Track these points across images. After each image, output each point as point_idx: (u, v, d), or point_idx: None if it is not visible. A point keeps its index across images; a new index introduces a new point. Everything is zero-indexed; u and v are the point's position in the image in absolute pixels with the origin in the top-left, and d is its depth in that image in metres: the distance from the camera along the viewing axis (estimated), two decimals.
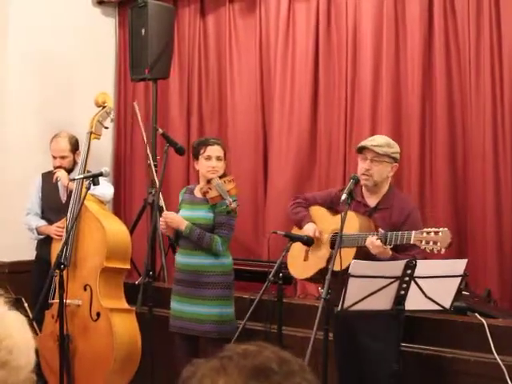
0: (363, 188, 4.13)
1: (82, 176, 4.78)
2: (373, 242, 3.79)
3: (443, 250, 3.57)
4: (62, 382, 4.43)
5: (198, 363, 1.19)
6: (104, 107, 5.27)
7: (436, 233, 3.58)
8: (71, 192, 5.02)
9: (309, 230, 4.23)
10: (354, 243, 3.91)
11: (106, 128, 5.32)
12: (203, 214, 4.50)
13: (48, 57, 6.16)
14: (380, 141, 4.09)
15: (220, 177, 4.49)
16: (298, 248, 4.32)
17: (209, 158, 4.49)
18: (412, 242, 3.66)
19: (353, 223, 3.92)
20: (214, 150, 4.52)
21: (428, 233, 3.60)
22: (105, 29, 6.76)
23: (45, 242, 5.24)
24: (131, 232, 5.45)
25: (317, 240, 4.21)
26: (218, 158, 4.50)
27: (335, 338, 4.18)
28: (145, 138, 4.84)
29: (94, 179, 4.45)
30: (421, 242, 3.61)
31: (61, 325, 4.40)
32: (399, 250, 3.88)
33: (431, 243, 3.57)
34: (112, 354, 4.66)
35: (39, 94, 6.10)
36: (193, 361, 1.21)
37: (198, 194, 4.59)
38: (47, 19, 6.14)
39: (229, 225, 4.48)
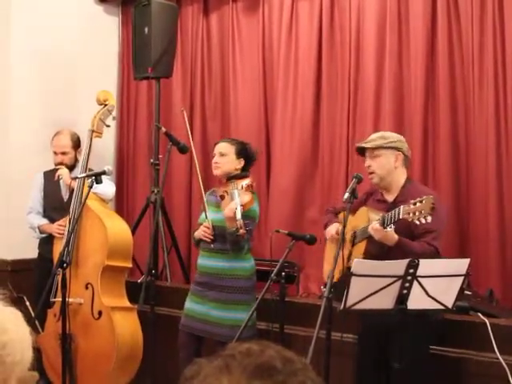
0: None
1: (84, 174, 4.77)
2: (372, 226, 3.81)
3: (429, 218, 3.54)
4: (65, 380, 4.43)
5: (200, 362, 1.19)
6: (106, 105, 5.27)
7: (420, 201, 3.57)
8: (73, 190, 5.02)
9: (330, 230, 4.27)
10: (364, 234, 3.95)
11: (108, 126, 5.32)
12: (221, 217, 4.37)
13: (51, 56, 6.16)
14: (373, 136, 4.15)
15: (238, 177, 4.42)
16: (330, 253, 4.32)
17: (213, 156, 4.51)
18: (401, 216, 3.64)
19: (364, 217, 3.96)
20: (218, 148, 4.51)
21: (414, 204, 3.59)
22: (108, 27, 6.76)
23: (47, 241, 5.25)
24: (133, 230, 5.45)
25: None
26: (221, 154, 4.46)
27: (360, 338, 4.19)
28: (193, 150, 4.74)
29: (97, 178, 4.44)
30: (409, 214, 3.60)
31: (63, 323, 4.40)
32: (416, 238, 3.89)
33: (417, 213, 3.57)
34: (114, 353, 4.66)
35: (42, 92, 6.10)
36: (195, 360, 1.21)
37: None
38: (50, 18, 6.14)
39: (250, 230, 4.31)
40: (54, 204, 5.37)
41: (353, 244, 4.08)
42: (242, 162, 4.49)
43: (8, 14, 5.96)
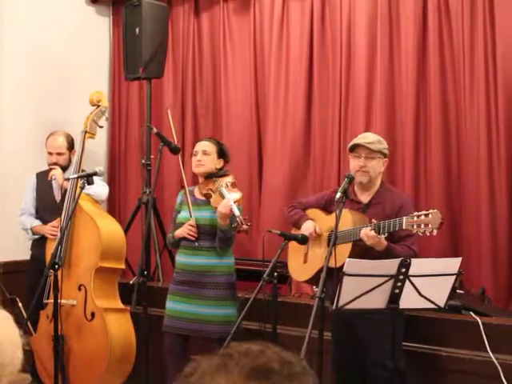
0: (355, 186, 4.17)
1: (76, 175, 4.77)
2: (367, 232, 3.81)
3: (435, 232, 3.57)
4: (57, 382, 4.41)
5: (199, 360, 1.19)
6: (99, 106, 5.26)
7: (426, 215, 3.59)
8: (66, 191, 5.02)
9: (308, 227, 4.25)
10: (350, 238, 3.94)
11: (101, 127, 5.31)
12: (209, 215, 4.44)
13: (42, 56, 6.15)
14: (372, 138, 4.16)
15: (219, 176, 4.48)
16: (297, 251, 4.33)
17: (195, 153, 4.51)
18: (404, 227, 3.67)
19: (346, 219, 3.94)
20: (201, 145, 4.53)
21: (418, 216, 3.61)
22: (99, 28, 6.75)
23: (39, 242, 5.24)
24: (125, 231, 5.44)
25: (315, 239, 4.22)
26: (204, 153, 4.49)
27: (334, 336, 4.19)
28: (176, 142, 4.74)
29: (88, 179, 4.43)
30: (413, 226, 3.62)
31: (55, 325, 4.39)
32: (396, 241, 3.93)
33: (423, 226, 3.58)
34: (106, 354, 4.65)
35: (34, 93, 6.09)
36: (194, 357, 1.20)
37: (198, 195, 4.57)
38: (41, 18, 6.13)
39: (250, 225, 4.39)
40: (47, 205, 5.35)
41: (333, 244, 4.06)
42: (221, 163, 4.55)
43: (0, 15, 5.94)
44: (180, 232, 4.49)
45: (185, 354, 4.52)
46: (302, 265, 4.33)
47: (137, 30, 5.85)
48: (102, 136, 6.45)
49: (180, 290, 4.48)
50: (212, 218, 4.41)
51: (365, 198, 4.16)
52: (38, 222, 5.34)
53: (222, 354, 1.18)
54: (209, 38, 6.30)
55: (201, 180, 4.55)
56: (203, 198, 4.50)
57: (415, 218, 3.62)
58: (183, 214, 4.53)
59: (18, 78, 6.01)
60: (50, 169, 5.30)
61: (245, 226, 4.15)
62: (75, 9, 6.48)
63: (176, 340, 4.51)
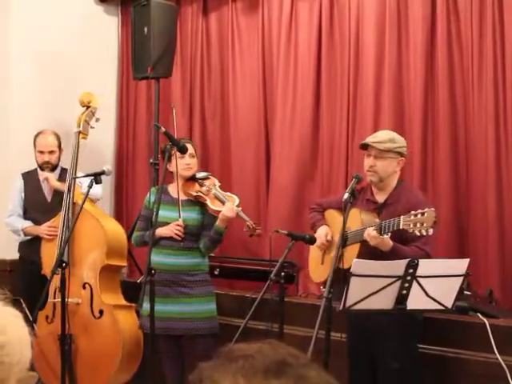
0: (372, 186, 4.13)
1: (83, 174, 4.76)
2: (369, 232, 3.79)
3: (430, 231, 3.56)
4: (64, 382, 4.40)
5: (211, 365, 1.16)
6: (89, 107, 5.28)
7: (422, 214, 3.57)
8: (56, 191, 5.01)
9: (321, 234, 4.25)
10: (357, 238, 3.93)
11: (92, 128, 5.32)
12: (196, 216, 4.52)
13: (50, 56, 6.16)
14: (382, 137, 4.09)
15: (201, 178, 4.55)
16: (315, 252, 4.33)
17: (182, 156, 4.51)
18: (401, 226, 3.65)
19: (356, 219, 3.93)
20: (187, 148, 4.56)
21: (415, 215, 3.60)
22: (107, 27, 6.77)
23: (29, 243, 5.25)
24: (133, 230, 5.43)
25: (329, 243, 4.21)
26: (191, 156, 4.56)
27: (348, 336, 4.18)
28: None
29: (97, 178, 4.43)
30: (409, 225, 3.61)
31: (62, 324, 4.39)
32: (407, 242, 3.88)
33: (418, 225, 3.57)
34: (119, 351, 4.67)
35: (41, 93, 6.10)
36: (201, 364, 1.17)
37: (175, 194, 4.56)
38: (49, 18, 6.15)
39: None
40: (37, 205, 5.34)
41: (339, 246, 4.04)
42: (199, 163, 4.71)
43: (8, 15, 5.96)
44: (166, 232, 4.49)
45: (180, 353, 4.56)
46: (319, 266, 4.33)
47: (145, 29, 5.85)
48: (109, 135, 6.46)
49: (161, 291, 4.39)
50: (199, 219, 4.51)
51: (380, 197, 4.12)
52: (28, 223, 5.32)
53: (234, 356, 1.16)
54: (217, 37, 6.30)
55: (181, 181, 4.57)
56: (184, 198, 4.55)
57: (412, 217, 3.61)
58: (166, 214, 4.51)
59: (26, 78, 6.03)
60: (41, 168, 5.30)
61: (258, 231, 4.26)
62: (83, 8, 6.49)
63: (169, 341, 4.53)
